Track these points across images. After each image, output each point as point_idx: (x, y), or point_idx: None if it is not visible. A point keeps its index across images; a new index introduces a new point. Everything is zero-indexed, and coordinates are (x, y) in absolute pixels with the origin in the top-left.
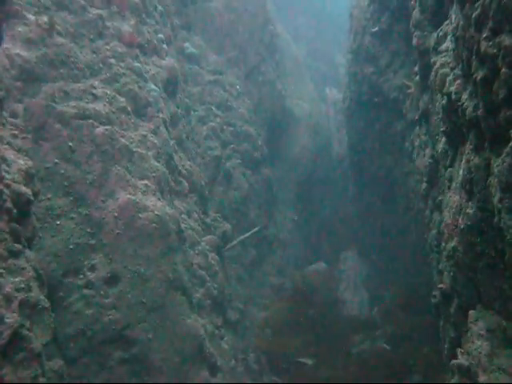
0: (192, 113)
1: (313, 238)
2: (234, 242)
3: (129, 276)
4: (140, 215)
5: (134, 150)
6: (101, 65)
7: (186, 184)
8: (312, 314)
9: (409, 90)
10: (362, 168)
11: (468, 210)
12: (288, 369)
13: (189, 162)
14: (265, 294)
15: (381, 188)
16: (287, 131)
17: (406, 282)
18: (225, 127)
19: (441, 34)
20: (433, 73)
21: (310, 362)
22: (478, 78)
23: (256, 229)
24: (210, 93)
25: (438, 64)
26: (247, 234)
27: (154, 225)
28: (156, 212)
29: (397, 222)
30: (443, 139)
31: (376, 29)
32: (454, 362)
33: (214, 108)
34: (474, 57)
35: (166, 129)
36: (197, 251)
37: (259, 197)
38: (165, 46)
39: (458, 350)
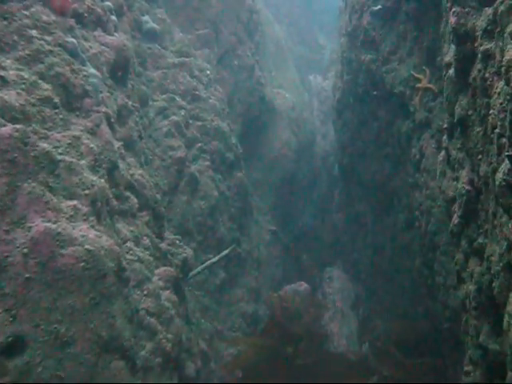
0: (150, 103)
1: (293, 252)
2: (199, 269)
3: (41, 339)
4: (63, 251)
5: (60, 157)
6: (16, 37)
7: (135, 200)
8: (292, 350)
9: (418, 85)
10: (353, 172)
11: None
12: None
13: (140, 171)
14: (235, 325)
15: (375, 198)
16: (266, 126)
17: (402, 310)
18: (191, 122)
19: (502, 8)
20: (491, 68)
21: None
22: None
23: (226, 251)
24: (174, 79)
25: (508, 55)
26: (215, 259)
27: (82, 264)
28: (87, 246)
29: (394, 239)
30: (507, 165)
31: (379, 7)
32: None
33: (177, 98)
34: None
35: (111, 127)
36: (146, 291)
37: (231, 206)
38: (114, 17)
39: None
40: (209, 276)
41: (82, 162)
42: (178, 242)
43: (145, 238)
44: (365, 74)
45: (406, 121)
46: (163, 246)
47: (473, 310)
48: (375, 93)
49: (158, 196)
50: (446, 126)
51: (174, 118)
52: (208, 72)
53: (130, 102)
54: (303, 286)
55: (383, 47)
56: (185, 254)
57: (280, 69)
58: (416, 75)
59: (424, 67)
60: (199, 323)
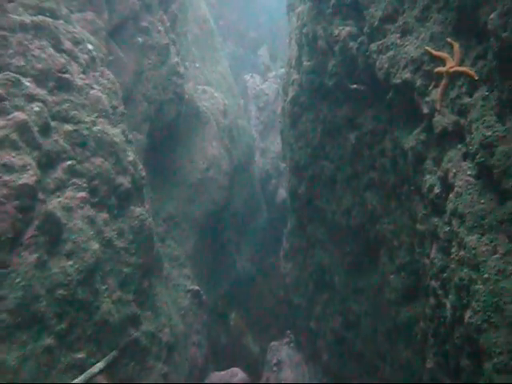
0: None
1: (222, 321)
2: None
3: None
4: None
5: None
6: None
7: None
8: None
9: (438, 68)
10: (313, 206)
11: None
12: None
13: None
14: None
15: (349, 246)
16: (186, 136)
17: None
18: (54, 124)
19: None
20: None
21: None
22: None
23: (101, 363)
24: (23, 49)
25: None
26: (80, 379)
27: None
28: None
29: (378, 311)
30: None
31: None
32: None
33: (27, 82)
34: None
35: None
36: None
37: (124, 263)
38: None
39: None
40: None
41: None
42: None
43: None
44: (339, 57)
45: (413, 129)
46: None
47: None
48: (355, 86)
49: None
50: None
51: (18, 115)
52: (90, 47)
53: None
54: (238, 375)
55: (373, 11)
56: None
57: (208, 60)
58: (435, 53)
59: (449, 39)
60: None
